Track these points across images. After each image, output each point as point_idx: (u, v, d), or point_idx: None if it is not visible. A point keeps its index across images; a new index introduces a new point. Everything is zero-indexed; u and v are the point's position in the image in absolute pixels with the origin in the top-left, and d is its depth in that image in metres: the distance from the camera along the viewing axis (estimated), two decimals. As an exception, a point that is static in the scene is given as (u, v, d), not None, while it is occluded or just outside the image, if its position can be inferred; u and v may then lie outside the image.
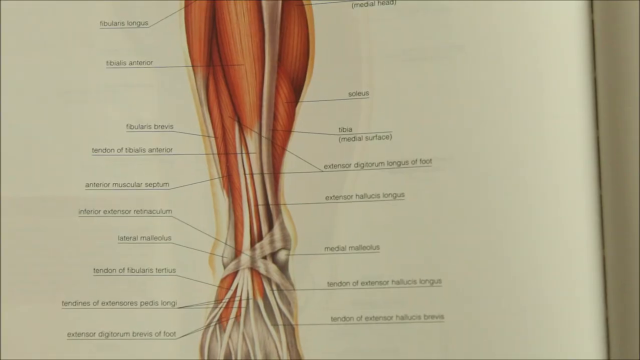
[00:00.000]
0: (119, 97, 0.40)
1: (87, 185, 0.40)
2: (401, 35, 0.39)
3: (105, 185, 0.40)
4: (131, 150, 0.40)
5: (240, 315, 0.39)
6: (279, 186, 0.40)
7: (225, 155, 0.40)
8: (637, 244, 0.37)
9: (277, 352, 0.39)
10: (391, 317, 0.39)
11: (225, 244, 0.40)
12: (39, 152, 0.40)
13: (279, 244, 0.39)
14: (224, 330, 0.39)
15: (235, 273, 0.39)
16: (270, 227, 0.40)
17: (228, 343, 0.39)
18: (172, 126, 0.40)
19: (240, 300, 0.39)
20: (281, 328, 0.39)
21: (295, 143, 0.39)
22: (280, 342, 0.39)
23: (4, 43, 0.40)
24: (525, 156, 0.38)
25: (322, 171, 0.39)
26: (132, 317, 0.39)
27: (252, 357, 0.39)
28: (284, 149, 0.39)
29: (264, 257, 0.40)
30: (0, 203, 0.39)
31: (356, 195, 0.39)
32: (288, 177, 0.39)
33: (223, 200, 0.40)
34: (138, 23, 0.40)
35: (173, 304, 0.39)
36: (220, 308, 0.39)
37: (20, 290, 0.39)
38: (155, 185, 0.40)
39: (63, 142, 0.40)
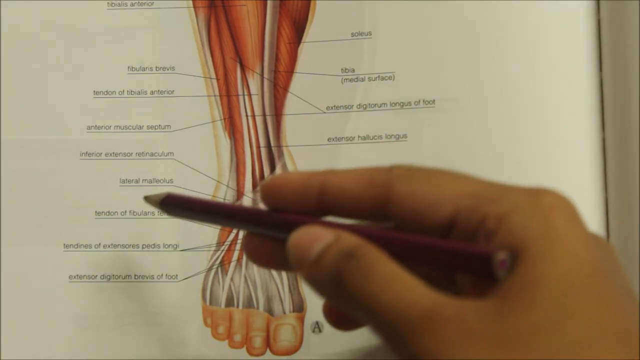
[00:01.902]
0: (120, 39, 0.40)
1: (89, 127, 0.40)
2: (404, -26, 0.38)
3: (107, 127, 0.40)
4: (132, 93, 0.40)
5: (242, 258, 0.39)
6: (281, 128, 0.39)
7: (227, 97, 0.40)
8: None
9: (279, 294, 0.39)
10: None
11: (227, 186, 0.39)
12: (40, 95, 0.40)
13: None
14: (226, 273, 0.39)
15: (236, 214, 0.39)
16: (273, 169, 0.39)
17: (230, 286, 0.39)
18: (173, 68, 0.40)
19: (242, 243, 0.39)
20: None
21: (297, 84, 0.39)
22: (283, 284, 0.39)
23: (5, -15, 0.40)
24: (530, 99, 0.38)
25: (325, 112, 0.39)
26: (134, 260, 0.39)
27: (254, 300, 0.39)
28: (286, 90, 0.39)
29: (266, 199, 0.39)
30: (1, 145, 0.39)
31: (359, 136, 0.39)
32: (290, 119, 0.39)
33: (225, 143, 0.40)
34: (139, -36, 0.40)
35: (175, 246, 0.39)
36: (222, 251, 0.39)
37: (21, 233, 0.39)
38: (156, 127, 0.40)
39: (64, 85, 0.40)
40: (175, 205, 0.33)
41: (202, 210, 0.32)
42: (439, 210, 0.25)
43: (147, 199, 0.34)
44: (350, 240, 0.26)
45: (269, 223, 0.29)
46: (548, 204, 0.24)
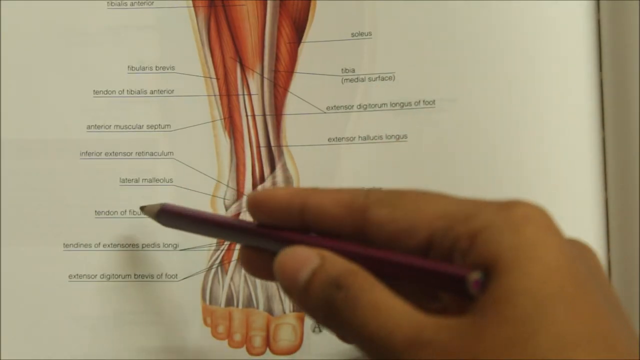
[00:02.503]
0: (120, 39, 0.40)
1: (89, 127, 0.40)
2: (404, -26, 0.38)
3: (107, 127, 0.40)
4: (132, 92, 0.40)
5: (242, 257, 0.39)
6: (281, 128, 0.39)
7: (227, 97, 0.40)
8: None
9: (279, 293, 0.39)
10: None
11: (227, 186, 0.39)
12: (40, 95, 0.40)
13: (281, 186, 0.39)
14: (226, 273, 0.39)
15: (237, 215, 0.39)
16: (272, 169, 0.39)
17: (230, 285, 0.39)
18: (173, 67, 0.40)
19: (242, 243, 0.39)
20: (283, 270, 0.39)
21: (297, 84, 0.39)
22: (282, 284, 0.39)
23: (4, -16, 0.40)
24: (530, 99, 0.38)
25: (325, 112, 0.39)
26: (134, 259, 0.39)
27: (254, 299, 0.39)
28: (286, 90, 0.39)
29: (266, 199, 0.39)
30: (1, 145, 0.39)
31: (359, 136, 0.39)
32: (290, 119, 0.39)
33: (225, 142, 0.40)
34: (139, -37, 0.40)
35: (175, 246, 0.39)
36: (222, 250, 0.39)
37: (21, 232, 0.39)
38: (156, 127, 0.40)
39: (64, 85, 0.40)
40: (169, 216, 0.34)
41: (194, 222, 0.33)
42: (414, 234, 0.26)
43: (143, 209, 0.36)
44: (336, 266, 0.26)
45: (258, 237, 0.30)
46: (519, 216, 0.24)
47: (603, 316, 0.23)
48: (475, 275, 0.24)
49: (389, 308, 0.25)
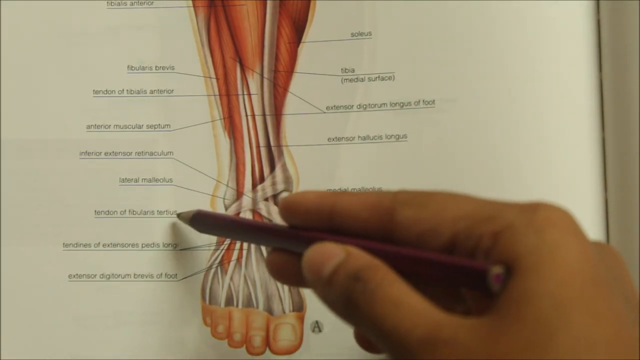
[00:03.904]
0: (120, 39, 0.40)
1: (88, 127, 0.40)
2: (404, -26, 0.38)
3: (107, 127, 0.40)
4: (132, 92, 0.40)
5: (241, 257, 0.39)
6: (280, 128, 0.39)
7: (227, 97, 0.40)
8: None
9: (279, 293, 0.39)
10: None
11: (227, 185, 0.39)
12: (39, 95, 0.40)
13: (280, 186, 0.39)
14: (226, 273, 0.39)
15: (237, 215, 0.39)
16: (272, 168, 0.39)
17: (230, 285, 0.39)
18: (173, 67, 0.40)
19: (241, 243, 0.39)
20: (283, 270, 0.39)
21: (297, 84, 0.39)
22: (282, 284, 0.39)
23: (4, -16, 0.39)
24: (530, 99, 0.38)
25: (325, 112, 0.39)
26: (134, 259, 0.39)
27: (254, 299, 0.39)
28: (285, 90, 0.39)
29: (266, 199, 0.39)
30: (1, 145, 0.39)
31: (358, 136, 0.39)
32: (290, 119, 0.39)
33: (224, 142, 0.40)
34: (138, -37, 0.40)
35: (174, 246, 0.39)
36: (222, 250, 0.39)
37: (21, 232, 0.39)
38: (156, 127, 0.39)
39: (64, 84, 0.40)
40: (203, 221, 0.36)
41: (226, 226, 0.35)
42: (439, 235, 0.26)
43: (179, 216, 0.38)
44: (359, 260, 0.26)
45: (289, 239, 0.30)
46: (542, 218, 0.24)
47: (623, 321, 0.23)
48: (496, 269, 0.24)
49: (408, 304, 0.25)
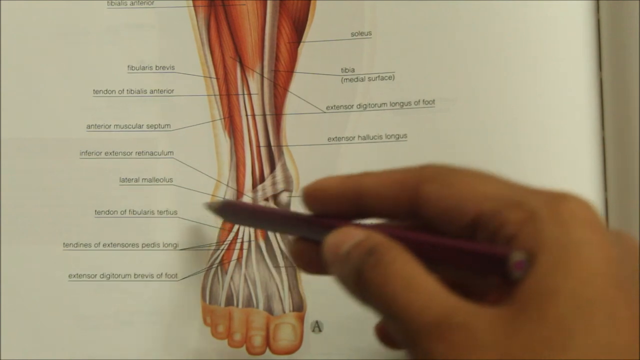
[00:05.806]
0: (120, 38, 0.40)
1: (89, 126, 0.40)
2: (404, -26, 0.38)
3: (107, 126, 0.40)
4: (132, 92, 0.40)
5: (242, 257, 0.39)
6: (280, 127, 0.39)
7: (227, 97, 0.40)
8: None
9: (279, 293, 0.39)
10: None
11: (227, 185, 0.39)
12: (40, 94, 0.40)
13: (280, 186, 0.39)
14: (226, 272, 0.39)
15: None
16: (272, 168, 0.39)
17: (230, 285, 0.39)
18: (173, 67, 0.40)
19: (242, 242, 0.39)
20: (283, 270, 0.39)
21: (297, 84, 0.39)
22: (282, 283, 0.39)
23: (4, -17, 0.40)
24: (530, 99, 0.38)
25: (325, 112, 0.39)
26: (134, 259, 0.39)
27: (254, 299, 0.39)
28: (286, 89, 0.39)
29: (266, 199, 0.39)
30: (1, 145, 0.39)
31: (358, 136, 0.39)
32: (290, 119, 0.39)
33: (225, 142, 0.40)
34: (139, -37, 0.40)
35: (174, 245, 0.39)
36: (222, 250, 0.39)
37: (21, 232, 0.39)
38: (156, 126, 0.40)
39: (64, 84, 0.40)
40: (231, 211, 0.36)
41: (253, 215, 0.35)
42: (463, 213, 0.25)
43: (208, 205, 0.37)
44: (376, 238, 0.26)
45: (314, 227, 0.30)
46: (567, 211, 0.24)
47: None
48: (518, 255, 0.23)
49: (421, 284, 0.24)
